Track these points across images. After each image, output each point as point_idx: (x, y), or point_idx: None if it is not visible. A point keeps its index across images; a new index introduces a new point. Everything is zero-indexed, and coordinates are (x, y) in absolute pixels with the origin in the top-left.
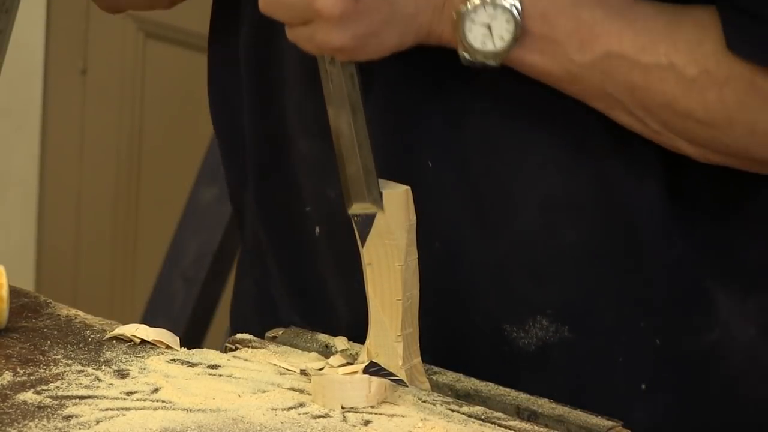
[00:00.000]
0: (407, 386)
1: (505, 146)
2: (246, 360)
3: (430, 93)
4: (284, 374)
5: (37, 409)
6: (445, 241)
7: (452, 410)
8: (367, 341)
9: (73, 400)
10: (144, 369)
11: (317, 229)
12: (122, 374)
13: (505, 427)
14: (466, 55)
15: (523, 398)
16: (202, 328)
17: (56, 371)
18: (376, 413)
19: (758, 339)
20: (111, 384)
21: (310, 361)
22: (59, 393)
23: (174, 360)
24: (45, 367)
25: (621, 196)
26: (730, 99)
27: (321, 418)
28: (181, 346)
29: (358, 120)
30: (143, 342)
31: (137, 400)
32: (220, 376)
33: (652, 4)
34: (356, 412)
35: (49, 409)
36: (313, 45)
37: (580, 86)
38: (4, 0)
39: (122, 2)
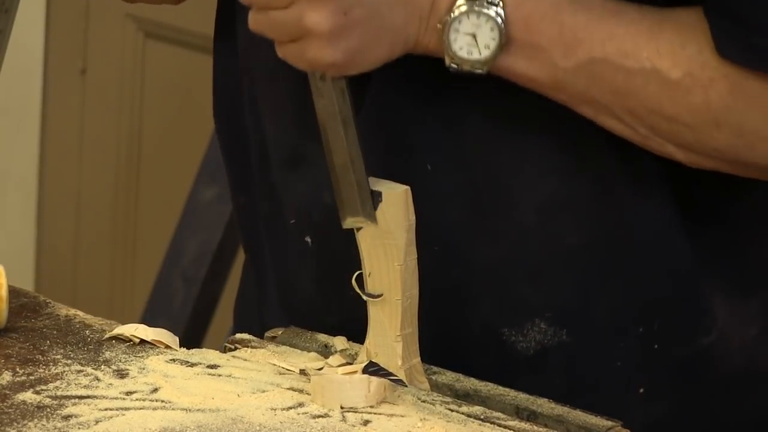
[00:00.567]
0: (407, 386)
1: (504, 149)
2: (245, 360)
3: (428, 96)
4: (283, 374)
5: (36, 408)
6: (444, 243)
7: (451, 410)
8: (367, 341)
9: (73, 400)
10: (143, 369)
11: (308, 239)
12: (122, 374)
13: (505, 427)
14: (453, 65)
15: (522, 398)
16: (202, 328)
17: (55, 371)
18: (375, 413)
19: (758, 339)
20: (110, 384)
21: (310, 361)
22: (58, 393)
23: (173, 360)
24: (44, 366)
25: (620, 200)
26: (716, 101)
27: (320, 418)
28: (180, 346)
29: (350, 135)
30: (143, 342)
31: (136, 400)
32: (220, 376)
33: (635, 8)
34: (355, 412)
35: (48, 409)
36: (304, 62)
37: (567, 92)
38: (4, 0)
39: None
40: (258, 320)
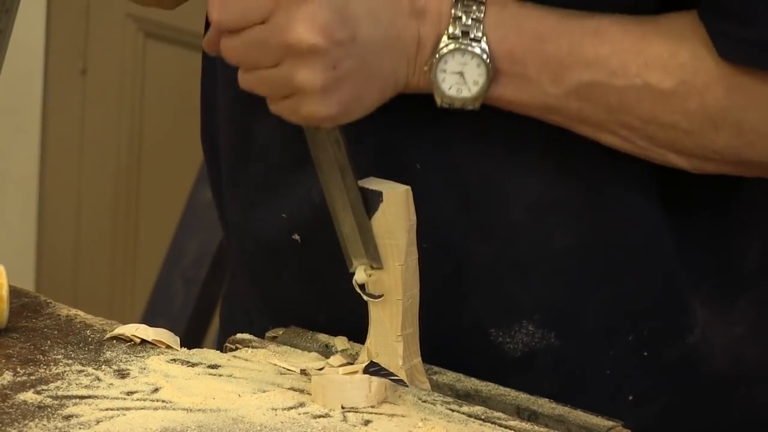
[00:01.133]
0: (407, 386)
1: (493, 148)
2: (246, 360)
3: (418, 96)
4: (284, 374)
5: (37, 408)
6: (433, 241)
7: (452, 410)
8: (368, 341)
9: (73, 400)
10: (144, 369)
11: (296, 236)
12: (122, 374)
13: (505, 427)
14: (444, 104)
15: (523, 398)
16: (202, 328)
17: (56, 371)
18: (376, 413)
19: (743, 339)
20: (111, 384)
21: (310, 361)
22: (59, 393)
23: (174, 360)
24: (45, 366)
25: (610, 201)
26: (712, 105)
27: (321, 418)
28: (181, 346)
29: (348, 181)
30: (143, 342)
31: (137, 400)
32: (220, 376)
33: (618, 24)
34: (356, 412)
35: (49, 409)
36: (298, 117)
37: (560, 115)
38: (4, 0)
39: None
40: (246, 321)
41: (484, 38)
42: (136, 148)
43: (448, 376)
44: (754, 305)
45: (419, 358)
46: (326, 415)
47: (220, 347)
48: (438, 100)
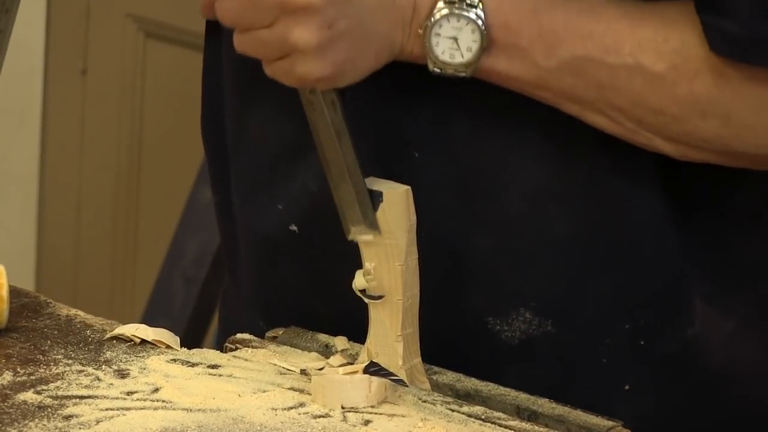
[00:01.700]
0: (407, 386)
1: (492, 137)
2: (246, 360)
3: (416, 85)
4: (284, 374)
5: (37, 408)
6: (432, 230)
7: (452, 410)
8: (368, 341)
9: (73, 400)
10: (144, 369)
11: (293, 227)
12: (122, 374)
13: (505, 427)
14: (436, 69)
15: (523, 398)
16: (202, 328)
17: (56, 371)
18: (376, 413)
19: (739, 334)
20: (111, 384)
21: (310, 360)
22: (59, 393)
23: (174, 360)
24: (45, 366)
25: (611, 192)
26: (701, 93)
27: (321, 418)
28: (181, 346)
29: (345, 145)
30: (143, 342)
31: (137, 400)
32: (220, 376)
33: (614, 5)
34: (356, 412)
35: (49, 409)
36: (293, 78)
37: (551, 90)
38: (5, 0)
39: None
40: (245, 319)
41: (480, 4)
42: (136, 148)
43: (448, 376)
44: (752, 302)
45: (419, 358)
46: (326, 415)
47: (220, 347)
48: (430, 65)
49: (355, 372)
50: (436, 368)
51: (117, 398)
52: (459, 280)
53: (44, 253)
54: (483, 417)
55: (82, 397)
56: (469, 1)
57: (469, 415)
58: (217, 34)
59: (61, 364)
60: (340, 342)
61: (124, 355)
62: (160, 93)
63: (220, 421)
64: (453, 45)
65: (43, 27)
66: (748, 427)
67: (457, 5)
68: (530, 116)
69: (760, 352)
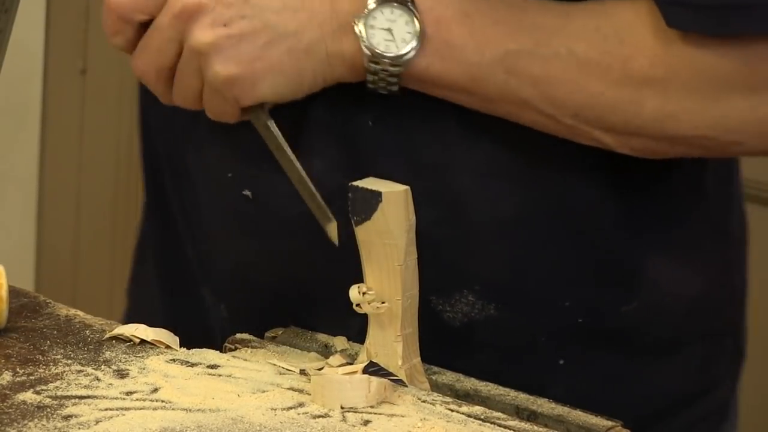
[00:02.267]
0: (407, 386)
1: (445, 113)
2: (245, 360)
3: None
4: (284, 374)
5: (36, 409)
6: None
7: (452, 410)
8: (367, 341)
9: (73, 400)
10: (143, 369)
11: (247, 192)
12: (122, 374)
13: (505, 427)
14: (372, 65)
15: (522, 398)
16: None
17: (56, 371)
18: (375, 413)
19: (676, 310)
20: (110, 384)
21: (310, 360)
22: (59, 393)
23: (173, 360)
24: (44, 366)
25: (555, 169)
26: (636, 75)
27: (320, 418)
28: (180, 346)
29: (285, 160)
30: (143, 342)
31: (137, 400)
32: (220, 376)
33: (540, 3)
34: (356, 412)
35: (48, 409)
36: (212, 93)
37: (485, 89)
38: (4, 0)
39: None
40: (159, 302)
41: (412, 2)
42: (135, 148)
43: (448, 376)
44: (693, 278)
45: (419, 358)
46: (325, 415)
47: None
48: (365, 61)
49: (355, 372)
50: (435, 368)
51: (116, 398)
52: None
53: (44, 253)
54: (482, 417)
55: (81, 397)
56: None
57: (469, 415)
58: None
59: (60, 364)
60: (340, 342)
61: (124, 355)
62: None
63: (219, 421)
64: (388, 35)
65: (43, 27)
66: (677, 401)
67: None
68: None
69: (691, 325)
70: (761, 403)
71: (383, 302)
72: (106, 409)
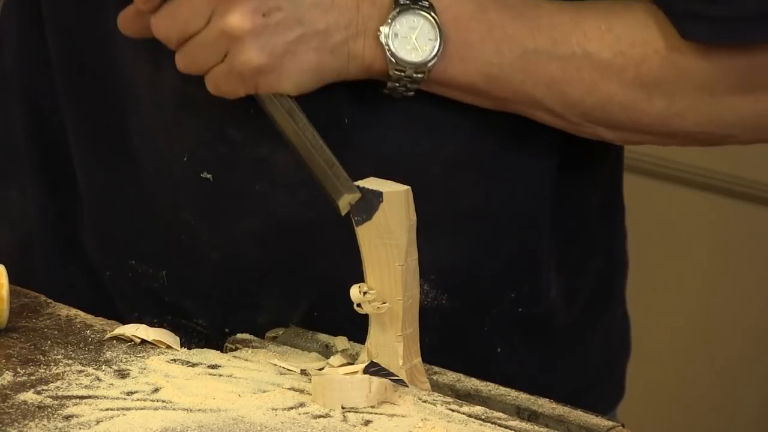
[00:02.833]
0: (407, 386)
1: (418, 104)
2: (246, 360)
3: None
4: (284, 374)
5: (37, 409)
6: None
7: (452, 410)
8: (368, 341)
9: (74, 400)
10: (144, 369)
11: (207, 174)
12: (122, 374)
13: (505, 427)
14: (396, 72)
15: (523, 398)
16: None
17: (56, 371)
18: (376, 413)
19: (587, 297)
20: (111, 384)
21: (311, 361)
22: (59, 393)
23: (174, 360)
24: (45, 367)
25: (515, 163)
26: (648, 76)
27: (321, 418)
28: (181, 346)
29: (300, 122)
30: (143, 342)
31: (137, 400)
32: (221, 376)
33: (553, 2)
34: (356, 412)
35: (49, 409)
36: (234, 75)
37: (501, 90)
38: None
39: None
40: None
41: (430, 6)
42: None
43: (448, 376)
44: (594, 270)
45: (419, 358)
46: (326, 415)
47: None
48: (390, 68)
49: (355, 372)
50: (436, 368)
51: (117, 398)
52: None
53: None
54: (483, 417)
55: (82, 397)
56: (420, 1)
57: (469, 415)
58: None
59: (61, 364)
60: (340, 342)
61: (124, 356)
62: None
63: (220, 421)
64: (410, 43)
65: None
66: (602, 388)
67: (410, 4)
68: None
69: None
70: (761, 402)
71: (384, 302)
72: (106, 409)
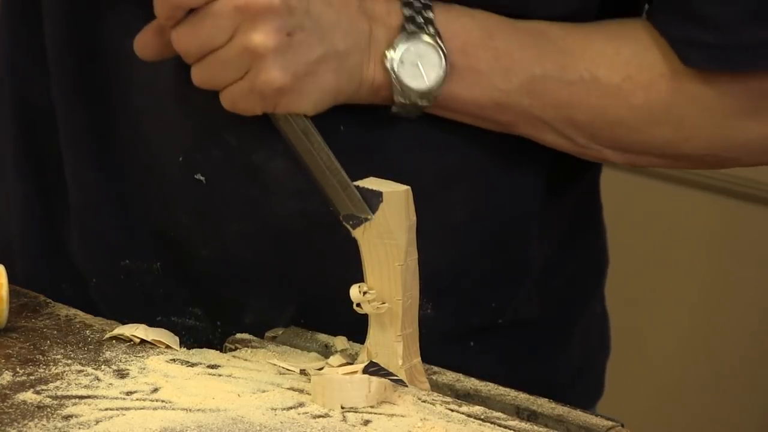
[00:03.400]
0: (407, 386)
1: (416, 120)
2: (246, 360)
3: None
4: (284, 374)
5: (36, 408)
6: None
7: (452, 410)
8: (367, 341)
9: (73, 400)
10: (143, 369)
11: (200, 176)
12: (122, 374)
13: (505, 427)
14: (401, 98)
15: (522, 398)
16: None
17: (56, 371)
18: (375, 413)
19: (564, 298)
20: (111, 384)
21: (310, 360)
22: (59, 393)
23: (173, 360)
24: (45, 366)
25: (506, 179)
26: (657, 100)
27: (321, 418)
28: (180, 346)
29: (315, 143)
30: (143, 342)
31: (137, 400)
32: (220, 375)
33: (558, 25)
34: (356, 412)
35: (48, 409)
36: (255, 94)
37: (509, 114)
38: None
39: None
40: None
41: (437, 34)
42: None
43: (448, 376)
44: (572, 269)
45: (419, 358)
46: (326, 415)
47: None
48: (396, 95)
49: (355, 372)
50: (435, 368)
51: (116, 398)
52: (346, 250)
53: None
54: (482, 417)
55: (81, 397)
56: (426, 31)
57: (469, 415)
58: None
59: (60, 364)
60: (340, 342)
61: (124, 355)
62: None
63: (219, 421)
64: (417, 70)
65: None
66: (581, 386)
67: (417, 31)
68: None
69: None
70: (761, 403)
71: (383, 302)
72: (106, 409)
